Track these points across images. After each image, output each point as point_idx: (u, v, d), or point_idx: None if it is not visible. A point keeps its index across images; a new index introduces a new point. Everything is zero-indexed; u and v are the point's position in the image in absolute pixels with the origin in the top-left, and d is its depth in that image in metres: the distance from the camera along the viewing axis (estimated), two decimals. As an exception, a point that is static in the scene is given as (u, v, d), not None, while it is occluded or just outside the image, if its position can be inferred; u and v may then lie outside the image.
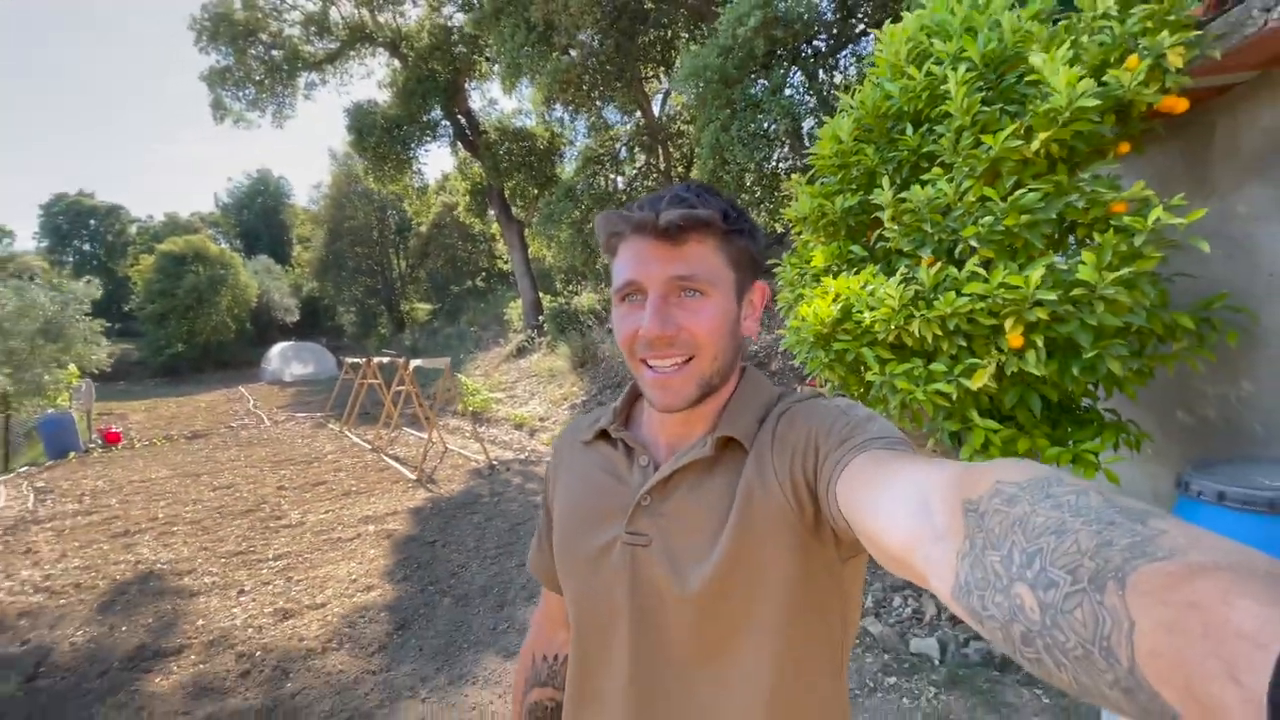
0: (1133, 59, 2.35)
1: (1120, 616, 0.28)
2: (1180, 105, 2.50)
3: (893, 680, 2.82)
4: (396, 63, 14.96)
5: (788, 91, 7.24)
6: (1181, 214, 2.31)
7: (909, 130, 2.82)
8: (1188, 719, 0.25)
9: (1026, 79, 2.51)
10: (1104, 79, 2.39)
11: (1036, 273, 2.25)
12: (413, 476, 7.14)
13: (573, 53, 9.58)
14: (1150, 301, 2.34)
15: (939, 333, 2.50)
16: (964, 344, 2.49)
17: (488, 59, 14.07)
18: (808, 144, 6.98)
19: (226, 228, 45.81)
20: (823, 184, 3.23)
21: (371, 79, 15.63)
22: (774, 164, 7.50)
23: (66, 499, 7.50)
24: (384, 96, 15.28)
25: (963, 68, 2.56)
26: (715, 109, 6.93)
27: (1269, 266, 2.68)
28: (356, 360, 12.23)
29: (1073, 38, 2.47)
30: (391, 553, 4.73)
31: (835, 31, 7.56)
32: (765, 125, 6.94)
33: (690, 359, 0.68)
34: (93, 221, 43.68)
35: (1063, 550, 0.32)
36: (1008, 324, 2.35)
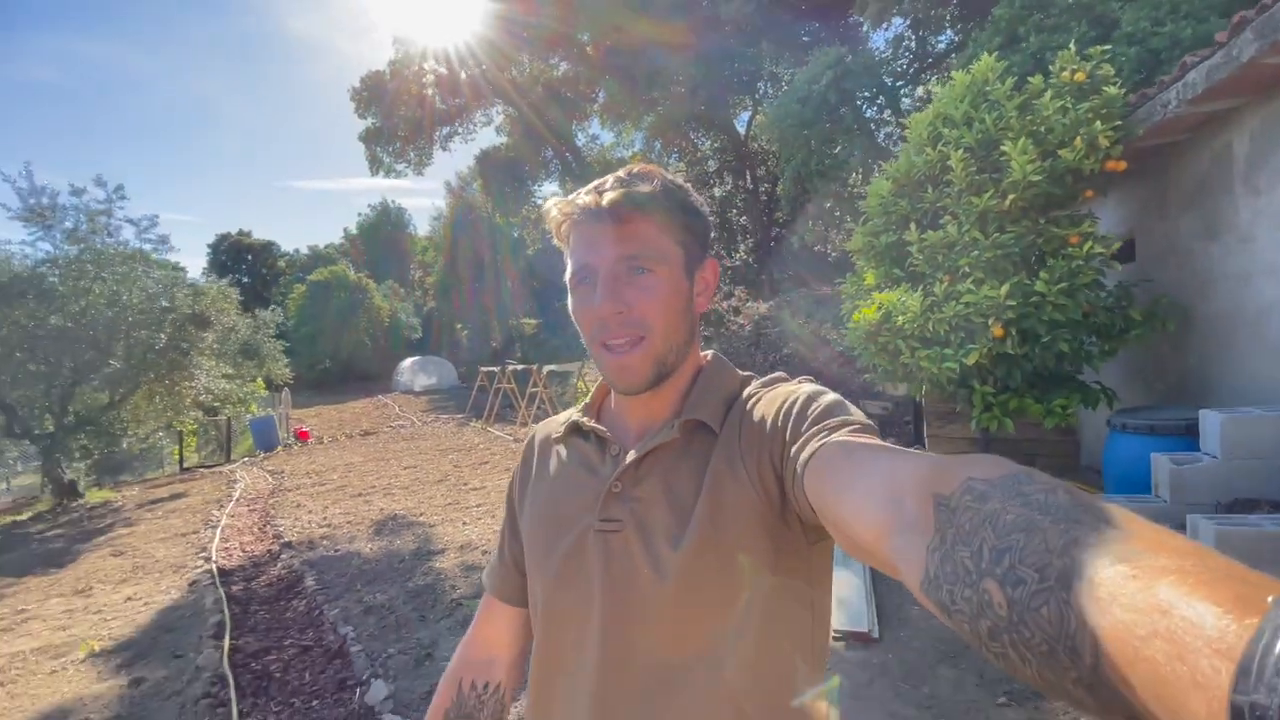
0: (1077, 140, 3.57)
1: (1085, 616, 0.28)
2: (1120, 166, 3.68)
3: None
4: (513, 110, 17.27)
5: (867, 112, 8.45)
6: (1108, 245, 3.49)
7: (929, 190, 4.11)
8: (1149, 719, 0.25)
9: (1003, 156, 3.74)
10: (1059, 153, 3.61)
11: (1005, 288, 3.49)
12: (554, 458, 8.90)
13: (668, 103, 11.16)
14: (1090, 305, 3.51)
15: (947, 329, 3.77)
16: (964, 336, 3.74)
17: (592, 104, 15.98)
18: (875, 172, 8.12)
19: (355, 256, 51.47)
20: (871, 224, 4.53)
21: (491, 125, 18.23)
22: (849, 188, 8.69)
23: (296, 476, 9.87)
24: (502, 139, 17.67)
25: (961, 149, 3.84)
26: (794, 148, 8.25)
27: (1201, 273, 3.74)
28: (492, 369, 14.40)
29: (1038, 126, 3.68)
30: (557, 504, 6.41)
31: (901, 77, 8.67)
32: (841, 158, 8.17)
33: (643, 338, 0.69)
34: (249, 256, 50.54)
35: (1032, 548, 0.32)
36: (991, 322, 3.59)
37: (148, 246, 9.84)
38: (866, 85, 7.63)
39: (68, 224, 9.19)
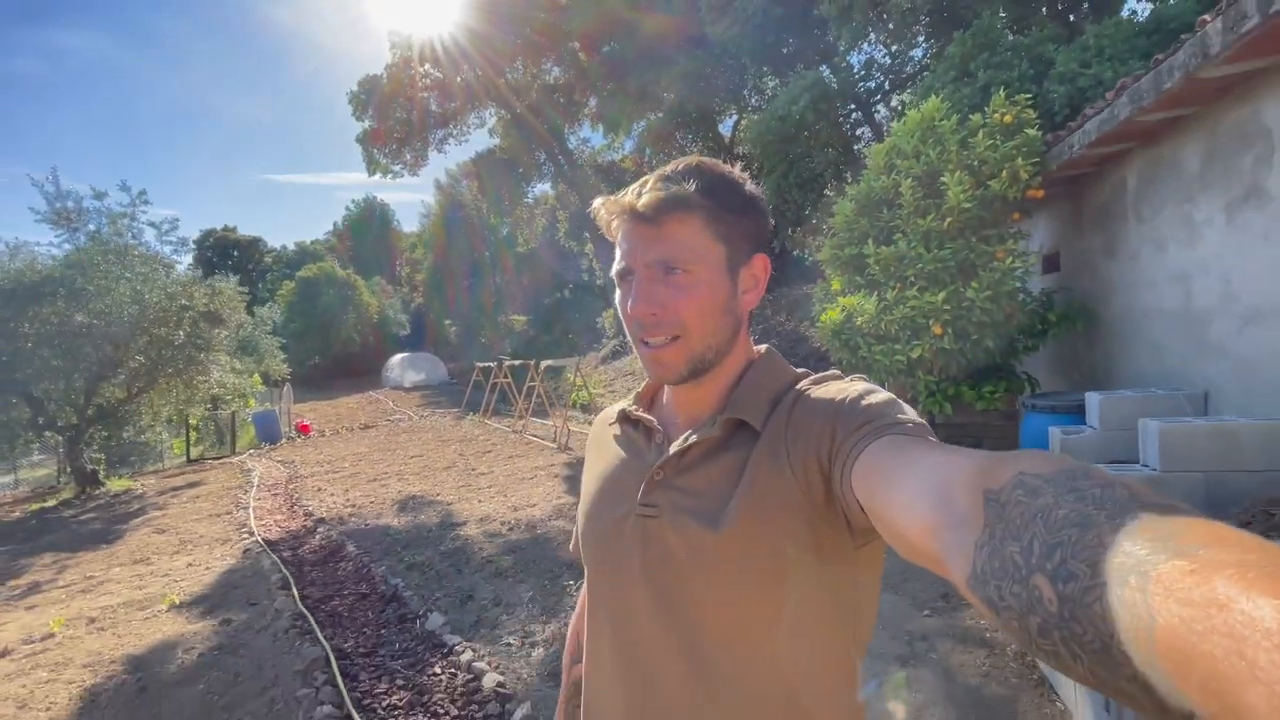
0: (1004, 173, 4.34)
1: (1140, 611, 0.27)
2: (1039, 194, 4.47)
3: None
4: (506, 112, 17.85)
5: (844, 126, 9.21)
6: (1026, 259, 4.27)
7: (885, 211, 4.87)
8: (1207, 717, 0.24)
9: (944, 185, 4.50)
10: (989, 183, 4.38)
11: (942, 295, 4.26)
12: (554, 445, 9.59)
13: (658, 113, 11.87)
14: (1011, 308, 4.28)
15: (897, 328, 4.53)
16: (910, 334, 4.50)
17: (584, 108, 16.62)
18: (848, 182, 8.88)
19: (341, 252, 51.52)
20: (837, 239, 5.29)
21: (485, 127, 18.88)
22: (825, 199, 9.46)
23: (309, 466, 10.46)
24: (495, 141, 18.26)
25: (910, 179, 4.60)
26: (775, 161, 9.00)
27: (1104, 283, 4.54)
28: (487, 364, 15.03)
29: (973, 160, 4.43)
30: (563, 483, 7.10)
31: (876, 91, 9.46)
32: (817, 171, 8.93)
33: (678, 336, 0.70)
34: (235, 252, 50.39)
35: (1085, 543, 0.31)
36: (931, 322, 4.35)
37: (168, 249, 10.36)
38: (843, 105, 8.40)
39: (91, 226, 9.70)
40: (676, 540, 0.69)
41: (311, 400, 24.73)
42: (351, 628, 3.73)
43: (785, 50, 10.92)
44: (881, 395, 0.65)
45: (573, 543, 0.91)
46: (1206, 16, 2.84)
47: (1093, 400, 3.53)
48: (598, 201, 0.74)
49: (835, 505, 0.63)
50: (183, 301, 9.93)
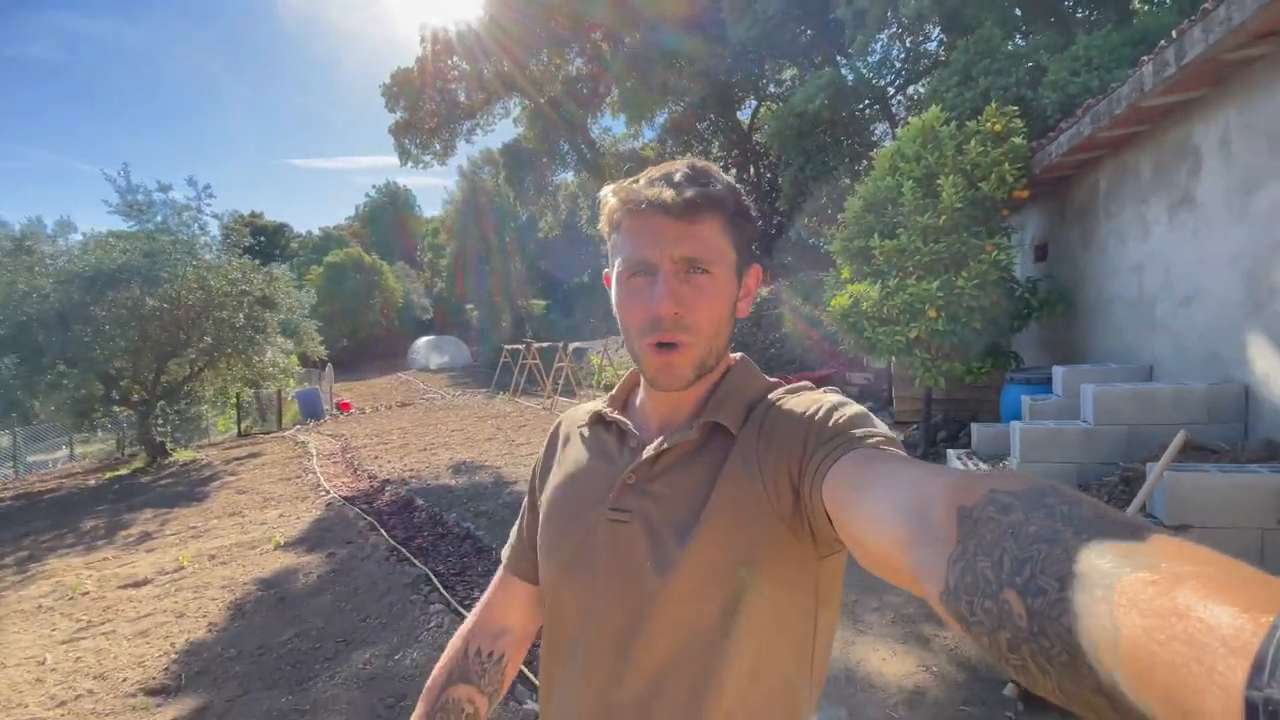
0: (992, 176, 4.96)
1: (1105, 623, 0.28)
2: (1024, 194, 5.10)
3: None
4: (530, 102, 18.47)
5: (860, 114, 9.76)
6: (1010, 252, 4.91)
7: (889, 208, 5.51)
8: None
9: (939, 186, 5.12)
10: (979, 185, 5.01)
11: (936, 284, 4.91)
12: (583, 421, 10.38)
13: (680, 106, 12.45)
14: (996, 295, 4.93)
15: (897, 311, 5.20)
16: (909, 317, 5.17)
17: (606, 98, 17.20)
18: (863, 172, 9.46)
19: (364, 236, 52.58)
20: (847, 232, 5.94)
21: (509, 117, 19.66)
22: (840, 189, 10.05)
23: (359, 438, 11.36)
24: (519, 130, 18.90)
25: (911, 180, 5.24)
26: (792, 154, 9.59)
27: (1080, 272, 5.17)
28: (515, 346, 15.84)
29: (966, 164, 5.05)
30: (595, 453, 7.88)
31: (893, 83, 10.00)
32: (832, 164, 9.52)
33: (690, 340, 0.69)
34: (263, 238, 51.62)
35: (1054, 558, 0.32)
36: (927, 307, 5.01)
37: (233, 238, 11.23)
38: (857, 101, 8.97)
39: (158, 218, 10.57)
40: (645, 547, 0.68)
41: (344, 380, 25.78)
42: (438, 558, 4.53)
43: (803, 41, 11.44)
44: (853, 409, 0.66)
45: (509, 548, 0.90)
46: (1165, 41, 3.41)
47: (1057, 373, 4.18)
48: (608, 189, 0.73)
49: (802, 515, 0.63)
50: (243, 287, 10.80)
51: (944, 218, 5.02)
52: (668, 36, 11.84)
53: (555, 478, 0.82)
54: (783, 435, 0.66)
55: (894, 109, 11.74)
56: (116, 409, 11.66)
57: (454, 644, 0.88)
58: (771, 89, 15.14)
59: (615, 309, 0.73)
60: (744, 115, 16.22)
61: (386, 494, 6.65)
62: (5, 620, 4.30)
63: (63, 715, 3.04)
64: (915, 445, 6.07)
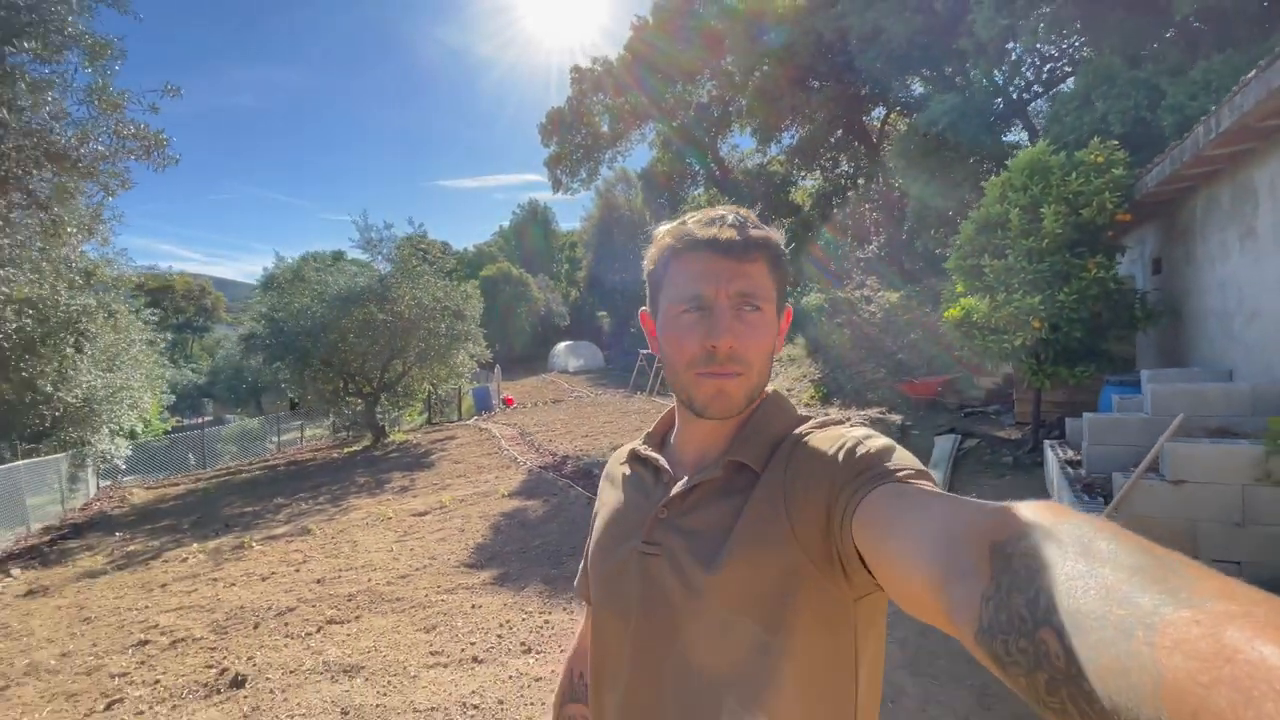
0: (1093, 203, 5.75)
1: (1147, 664, 0.27)
2: (1126, 218, 5.82)
3: (991, 475, 6.40)
4: (664, 127, 20.25)
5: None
6: (1108, 269, 5.66)
7: (998, 232, 6.40)
8: None
9: (1044, 213, 5.94)
10: (1081, 212, 5.80)
11: (1039, 298, 5.77)
12: (719, 417, 11.78)
13: (809, 127, 13.49)
14: (1095, 308, 5.69)
15: (1005, 323, 6.08)
16: (1015, 327, 6.02)
17: (735, 117, 18.54)
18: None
19: (508, 251, 57.78)
20: (961, 250, 6.84)
21: (645, 143, 21.85)
22: (965, 202, 10.62)
23: (528, 427, 13.57)
24: (654, 153, 20.76)
25: (1017, 208, 6.11)
26: (917, 171, 10.36)
27: (1184, 286, 5.75)
28: (651, 352, 17.54)
29: (1069, 193, 5.85)
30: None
31: (1025, 90, 10.46)
32: (956, 180, 10.18)
33: (741, 373, 0.72)
34: (428, 255, 58.41)
35: (1091, 596, 0.31)
36: (1032, 319, 5.87)
37: (437, 263, 14.01)
38: (979, 124, 9.56)
39: (385, 250, 13.53)
40: (673, 580, 0.70)
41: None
42: (625, 506, 6.15)
43: (925, 67, 12.05)
44: (879, 441, 0.65)
45: (578, 578, 0.95)
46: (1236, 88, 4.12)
47: (1144, 378, 4.90)
48: (664, 228, 0.78)
49: (831, 552, 0.63)
50: (445, 303, 13.44)
51: (1046, 241, 5.84)
52: (795, 69, 12.93)
53: (600, 514, 0.87)
54: (809, 472, 0.67)
55: (1030, 113, 11.91)
56: (350, 399, 14.89)
57: (564, 670, 1.00)
58: (901, 96, 15.63)
59: (661, 343, 0.77)
60: (870, 120, 16.81)
61: (569, 465, 8.47)
62: (352, 529, 6.52)
63: (421, 572, 4.96)
64: (1025, 441, 6.81)
